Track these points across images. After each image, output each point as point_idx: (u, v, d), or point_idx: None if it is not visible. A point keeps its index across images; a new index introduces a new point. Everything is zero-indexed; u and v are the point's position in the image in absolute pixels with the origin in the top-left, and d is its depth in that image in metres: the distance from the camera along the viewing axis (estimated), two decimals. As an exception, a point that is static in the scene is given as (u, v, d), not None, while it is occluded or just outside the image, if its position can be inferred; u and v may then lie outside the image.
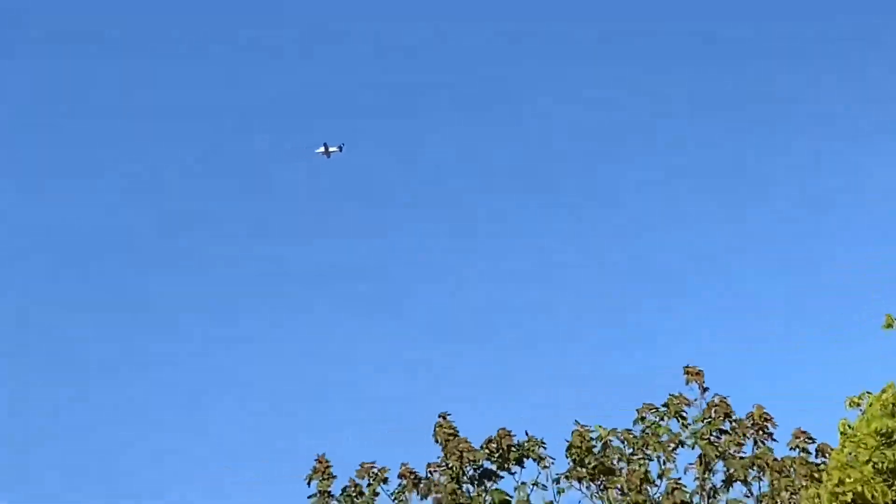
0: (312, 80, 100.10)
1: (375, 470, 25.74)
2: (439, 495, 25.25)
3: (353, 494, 25.58)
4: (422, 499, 25.51)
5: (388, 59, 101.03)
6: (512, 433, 25.77)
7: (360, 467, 25.76)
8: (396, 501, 25.55)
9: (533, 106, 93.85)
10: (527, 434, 25.75)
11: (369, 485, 25.66)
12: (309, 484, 25.72)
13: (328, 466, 25.78)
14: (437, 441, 25.75)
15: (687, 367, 24.58)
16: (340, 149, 78.13)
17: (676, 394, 24.19)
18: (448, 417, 25.94)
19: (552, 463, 25.33)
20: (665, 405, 24.37)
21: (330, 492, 25.60)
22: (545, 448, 25.63)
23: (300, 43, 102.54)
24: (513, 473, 25.63)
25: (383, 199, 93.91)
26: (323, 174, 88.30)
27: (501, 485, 25.72)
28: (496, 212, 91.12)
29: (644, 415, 24.29)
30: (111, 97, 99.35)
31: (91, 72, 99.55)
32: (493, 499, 25.37)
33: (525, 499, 25.43)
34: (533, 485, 25.45)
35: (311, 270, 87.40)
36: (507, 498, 25.38)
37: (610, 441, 24.37)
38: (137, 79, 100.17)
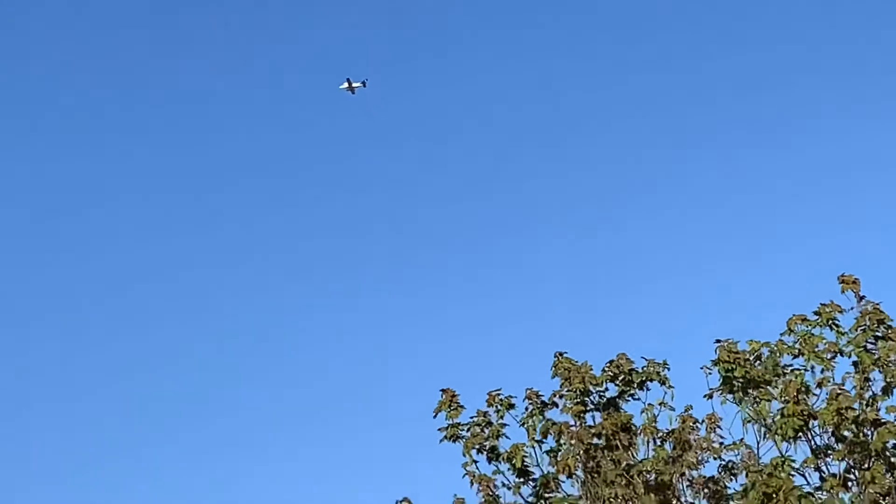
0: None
1: (502, 397, 25.17)
2: (567, 416, 24.72)
3: (483, 424, 24.98)
4: (544, 435, 24.92)
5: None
6: (631, 360, 25.29)
7: (487, 396, 25.22)
8: (524, 427, 25.03)
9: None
10: (645, 359, 25.16)
11: (497, 411, 25.09)
12: (435, 416, 25.17)
13: (454, 396, 25.20)
14: (554, 376, 25.17)
15: (842, 275, 23.82)
16: (364, 84, 77.33)
17: (828, 302, 23.50)
18: (565, 354, 25.29)
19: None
20: (817, 313, 23.65)
21: (459, 423, 24.98)
22: (669, 369, 25.05)
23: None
24: (637, 399, 25.08)
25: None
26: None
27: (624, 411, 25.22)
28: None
29: (793, 326, 23.61)
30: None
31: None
32: (618, 421, 24.71)
33: (653, 419, 24.87)
34: (660, 405, 24.89)
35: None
36: (633, 421, 24.79)
37: (762, 353, 23.72)
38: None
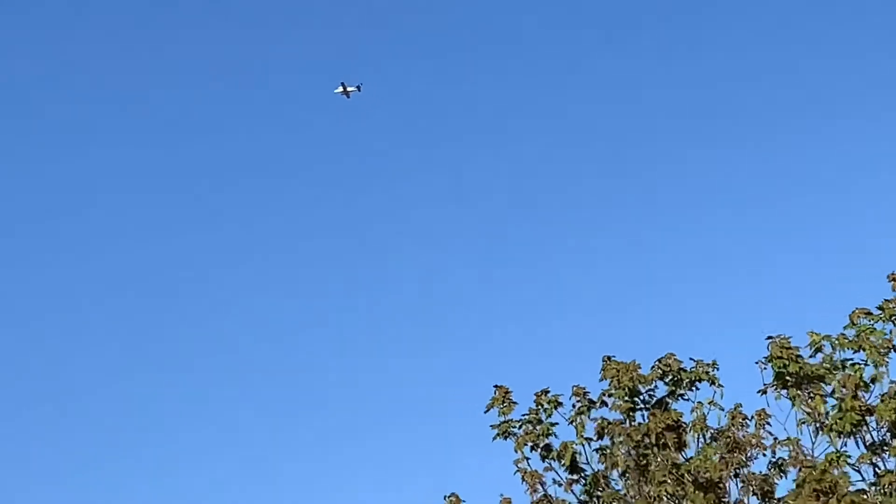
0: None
1: (550, 396, 25.20)
2: (616, 413, 24.74)
3: (534, 421, 25.00)
4: (598, 435, 24.92)
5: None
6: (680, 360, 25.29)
7: (535, 396, 25.24)
8: (572, 425, 25.06)
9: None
10: (693, 360, 25.16)
11: (545, 409, 25.11)
12: (487, 412, 25.16)
13: (508, 393, 25.20)
14: (603, 379, 25.17)
15: (892, 273, 23.86)
16: (359, 88, 77.28)
17: (892, 298, 23.53)
18: (613, 357, 25.30)
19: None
20: (880, 308, 23.68)
21: (511, 420, 25.01)
22: (717, 370, 25.06)
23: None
24: (687, 400, 25.08)
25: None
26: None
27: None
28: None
29: (856, 320, 23.63)
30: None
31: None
32: (665, 419, 24.71)
33: (702, 418, 24.88)
34: (710, 404, 24.90)
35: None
36: (683, 420, 24.79)
37: (822, 346, 23.76)
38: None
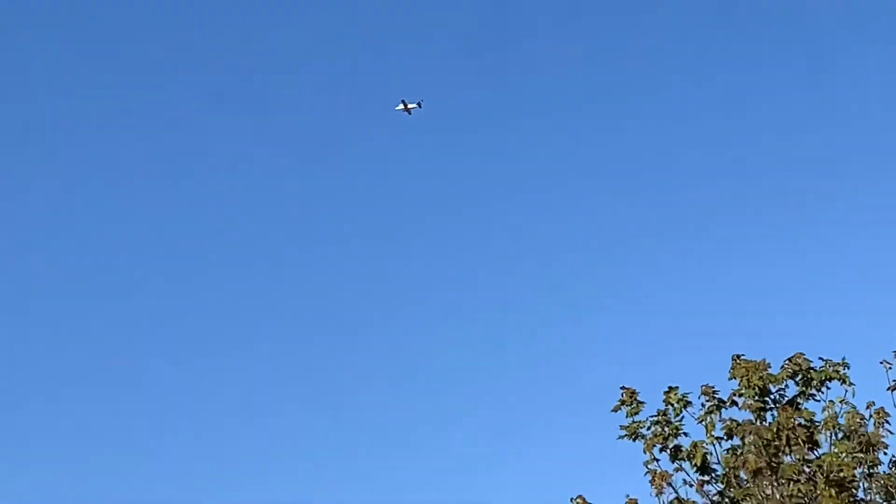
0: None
1: (679, 395, 24.93)
2: (747, 412, 24.43)
3: (662, 422, 24.72)
4: (728, 436, 24.60)
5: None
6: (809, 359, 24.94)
7: (664, 394, 24.97)
8: (702, 424, 24.75)
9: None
10: (822, 359, 24.82)
11: (674, 408, 24.84)
12: (615, 412, 24.93)
13: (635, 393, 24.95)
14: (732, 378, 24.79)
15: None
16: (420, 105, 77.36)
17: None
18: (742, 356, 24.95)
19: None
20: None
21: (639, 421, 24.74)
22: (848, 368, 24.72)
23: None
24: (818, 400, 24.72)
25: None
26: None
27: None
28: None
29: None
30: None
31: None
32: (801, 419, 24.39)
33: (833, 417, 24.54)
34: (841, 402, 24.56)
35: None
36: (815, 420, 24.46)
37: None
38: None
